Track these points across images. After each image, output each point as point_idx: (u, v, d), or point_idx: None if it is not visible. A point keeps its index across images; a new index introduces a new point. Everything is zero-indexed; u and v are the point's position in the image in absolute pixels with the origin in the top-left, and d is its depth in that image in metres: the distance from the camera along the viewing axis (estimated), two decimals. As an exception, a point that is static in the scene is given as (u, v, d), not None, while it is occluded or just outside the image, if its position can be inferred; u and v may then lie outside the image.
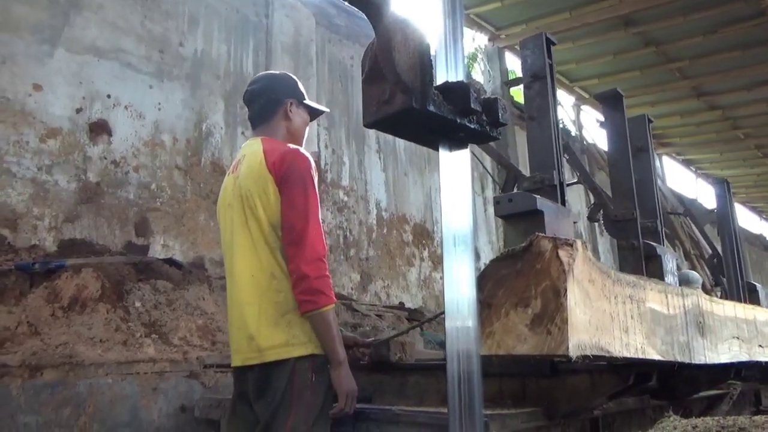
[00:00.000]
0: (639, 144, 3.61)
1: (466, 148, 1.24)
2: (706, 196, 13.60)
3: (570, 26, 8.10)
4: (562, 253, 1.21)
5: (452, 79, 1.17)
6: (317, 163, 5.89)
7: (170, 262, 4.09)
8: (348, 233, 6.07)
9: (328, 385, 1.73)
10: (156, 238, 4.53)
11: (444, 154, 1.21)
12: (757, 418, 1.02)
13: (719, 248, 5.45)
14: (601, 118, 3.78)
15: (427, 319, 4.34)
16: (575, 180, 4.39)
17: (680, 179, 14.18)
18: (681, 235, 7.55)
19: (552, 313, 1.19)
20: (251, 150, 1.88)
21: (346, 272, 5.93)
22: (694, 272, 5.53)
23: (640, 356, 1.48)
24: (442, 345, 4.66)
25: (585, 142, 10.53)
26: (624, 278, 1.51)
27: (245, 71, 5.52)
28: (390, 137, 6.80)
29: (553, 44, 2.54)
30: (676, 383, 2.37)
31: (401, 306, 6.00)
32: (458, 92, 1.12)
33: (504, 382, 2.16)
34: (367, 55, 1.11)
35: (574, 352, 1.18)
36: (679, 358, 1.74)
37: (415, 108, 1.05)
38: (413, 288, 6.54)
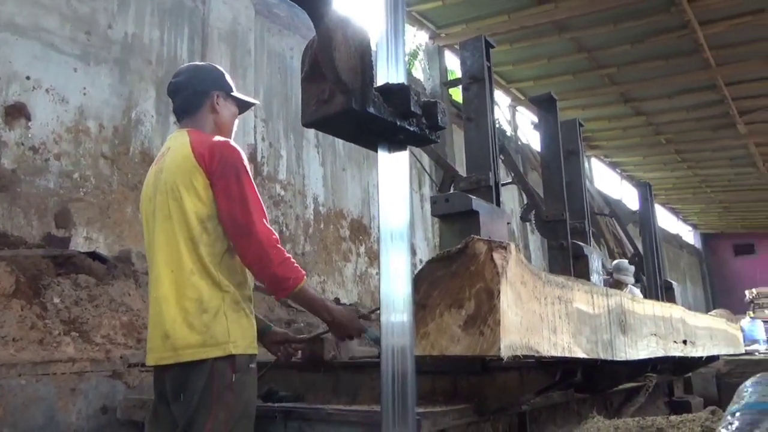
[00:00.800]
0: (570, 147, 3.75)
1: (405, 149, 1.24)
2: (630, 197, 14.34)
3: (508, 29, 8.29)
4: (496, 256, 1.23)
5: (393, 78, 1.15)
6: (253, 155, 5.76)
7: (93, 255, 3.88)
8: (284, 228, 5.98)
9: (251, 385, 1.69)
10: (78, 230, 4.29)
11: (383, 155, 1.20)
12: (672, 418, 1.08)
13: (640, 247, 5.76)
14: (536, 120, 3.89)
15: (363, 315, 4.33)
16: (510, 180, 4.50)
17: (607, 180, 14.85)
18: (606, 235, 7.92)
19: (485, 314, 1.20)
20: (177, 142, 1.80)
21: (281, 267, 5.84)
22: (625, 261, 5.80)
23: (567, 355, 1.52)
24: (376, 341, 4.67)
25: (519, 143, 10.84)
26: (553, 279, 1.55)
27: (179, 58, 5.31)
28: (329, 131, 6.74)
29: (492, 47, 2.58)
30: (599, 378, 2.46)
31: (337, 301, 5.98)
32: (399, 94, 1.11)
33: (436, 380, 2.19)
34: (307, 53, 1.08)
35: (505, 353, 1.19)
36: (603, 356, 1.79)
37: (354, 109, 1.03)
38: (349, 283, 6.53)
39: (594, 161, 14.10)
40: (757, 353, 5.98)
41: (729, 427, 0.92)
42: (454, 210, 2.04)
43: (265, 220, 1.69)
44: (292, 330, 4.52)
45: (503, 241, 1.28)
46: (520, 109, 11.34)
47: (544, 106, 3.50)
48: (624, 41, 8.77)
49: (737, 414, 0.96)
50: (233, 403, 1.61)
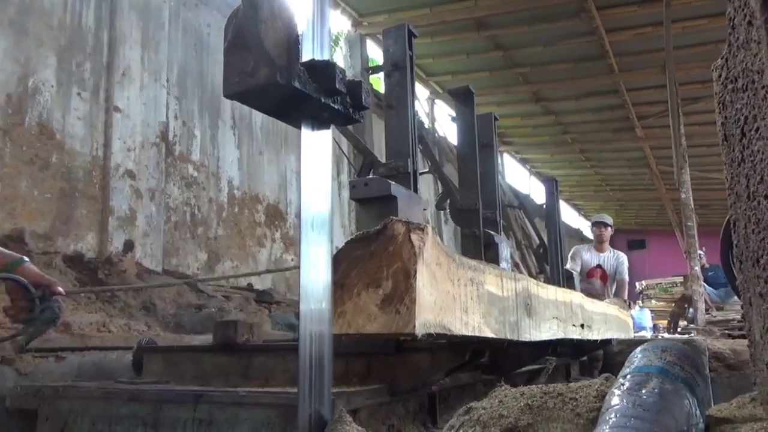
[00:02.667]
0: (485, 140, 3.88)
1: (329, 128, 1.23)
2: (537, 192, 15.06)
3: (429, 22, 8.41)
4: (414, 237, 1.27)
5: (317, 56, 1.15)
6: (164, 134, 5.51)
7: (-18, 233, 3.58)
8: (196, 210, 5.77)
9: None
10: (-36, 205, 3.94)
11: (306, 134, 1.19)
12: (572, 384, 1.16)
13: (545, 239, 6.10)
14: (453, 113, 3.99)
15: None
16: (426, 170, 4.59)
17: (517, 175, 15.50)
18: (514, 227, 8.28)
19: (401, 293, 1.23)
20: None
21: (192, 251, 5.64)
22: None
23: (477, 334, 1.58)
24: (290, 327, 4.63)
25: (437, 135, 11.07)
26: (467, 262, 1.61)
27: (84, 25, 4.97)
28: (247, 112, 6.57)
29: (415, 36, 2.61)
30: (504, 360, 2.58)
31: (249, 287, 5.87)
32: (324, 71, 1.11)
33: (350, 362, 2.20)
34: (231, 22, 1.04)
35: (420, 331, 1.23)
36: (510, 336, 1.89)
37: (279, 83, 1.01)
38: (263, 269, 6.42)
39: (506, 156, 14.67)
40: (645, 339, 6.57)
41: (621, 387, 1.00)
42: (373, 194, 2.06)
43: None
44: (202, 316, 4.39)
45: (421, 223, 1.31)
46: (438, 102, 11.57)
47: (461, 98, 3.59)
48: (537, 42, 9.16)
49: (627, 376, 1.04)
50: None
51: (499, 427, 1.13)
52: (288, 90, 1.04)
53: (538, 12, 8.22)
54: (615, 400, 0.98)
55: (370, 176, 2.45)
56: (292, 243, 6.90)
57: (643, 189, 17.14)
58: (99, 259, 4.48)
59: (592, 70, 9.90)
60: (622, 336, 4.45)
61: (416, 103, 2.70)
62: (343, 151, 4.32)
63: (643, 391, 0.96)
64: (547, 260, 5.80)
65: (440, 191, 4.05)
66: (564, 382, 4.03)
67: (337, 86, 1.11)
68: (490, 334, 1.69)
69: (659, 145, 12.98)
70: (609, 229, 6.74)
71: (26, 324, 1.47)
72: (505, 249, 3.67)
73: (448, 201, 4.10)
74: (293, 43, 1.03)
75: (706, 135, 12.18)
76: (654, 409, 0.92)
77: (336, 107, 1.15)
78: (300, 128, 1.20)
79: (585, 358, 4.53)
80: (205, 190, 5.90)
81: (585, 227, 22.21)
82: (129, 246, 4.86)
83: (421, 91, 11.06)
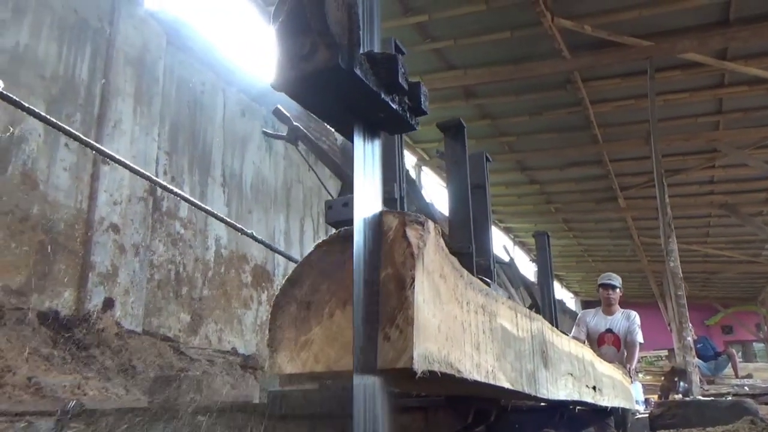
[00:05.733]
0: (477, 181, 3.53)
1: (380, 138, 1.08)
2: (520, 262, 14.98)
3: (419, 89, 8.56)
4: (410, 233, 0.95)
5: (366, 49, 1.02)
6: (152, 188, 5.32)
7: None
8: (181, 269, 5.51)
9: None
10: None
11: (358, 142, 1.04)
12: (711, 429, 0.96)
13: (538, 299, 5.82)
14: (441, 183, 3.75)
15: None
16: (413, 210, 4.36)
17: (501, 245, 15.47)
18: (505, 282, 8.09)
19: (393, 311, 0.88)
20: None
21: (174, 312, 5.33)
22: None
23: (491, 381, 1.20)
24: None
25: (424, 201, 11.04)
26: (476, 283, 1.23)
27: (77, 76, 4.88)
28: (237, 170, 6.45)
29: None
30: (501, 428, 2.19)
31: (234, 351, 5.53)
32: (385, 64, 0.98)
33: (319, 428, 1.88)
34: (283, 5, 0.92)
35: (419, 366, 0.87)
36: (527, 389, 1.49)
37: (341, 67, 0.87)
38: (248, 333, 6.08)
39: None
40: (638, 413, 6.19)
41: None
42: (352, 215, 1.77)
43: None
44: (183, 378, 4.05)
45: (420, 215, 1.00)
46: (425, 169, 11.64)
47: (451, 132, 3.19)
48: (524, 112, 9.36)
49: None
50: None
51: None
52: (347, 78, 0.90)
53: (524, 83, 8.43)
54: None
55: (350, 195, 2.23)
56: (279, 306, 6.59)
57: (625, 260, 17.22)
58: (76, 317, 4.17)
59: (576, 140, 10.10)
60: (627, 405, 4.11)
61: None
62: (320, 180, 4.17)
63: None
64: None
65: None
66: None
67: (399, 81, 0.97)
68: (505, 384, 1.30)
69: (641, 216, 13.15)
70: (617, 290, 6.14)
71: None
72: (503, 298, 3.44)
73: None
74: (354, 26, 0.91)
75: (686, 207, 12.39)
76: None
77: (394, 107, 1.01)
78: (350, 135, 1.05)
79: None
80: (191, 248, 5.66)
81: (567, 299, 22.10)
82: (109, 304, 4.55)
83: (409, 158, 11.13)
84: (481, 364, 1.14)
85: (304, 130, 3.18)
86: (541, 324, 1.77)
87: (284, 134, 3.22)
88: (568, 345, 2.28)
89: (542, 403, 2.09)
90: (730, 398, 5.43)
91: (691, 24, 7.06)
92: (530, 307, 6.21)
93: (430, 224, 0.99)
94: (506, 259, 10.25)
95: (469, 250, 3.19)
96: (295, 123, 3.22)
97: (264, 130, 3.07)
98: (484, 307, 1.22)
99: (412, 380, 0.88)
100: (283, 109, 3.17)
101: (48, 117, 3.00)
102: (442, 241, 1.04)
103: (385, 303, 0.89)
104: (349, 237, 0.96)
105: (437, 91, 8.67)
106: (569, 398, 2.08)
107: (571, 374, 2.21)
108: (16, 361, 3.06)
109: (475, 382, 1.09)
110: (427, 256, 0.95)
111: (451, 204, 3.32)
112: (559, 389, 1.90)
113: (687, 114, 9.05)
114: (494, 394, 1.48)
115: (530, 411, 2.50)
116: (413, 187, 3.83)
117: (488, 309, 1.25)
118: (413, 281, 0.89)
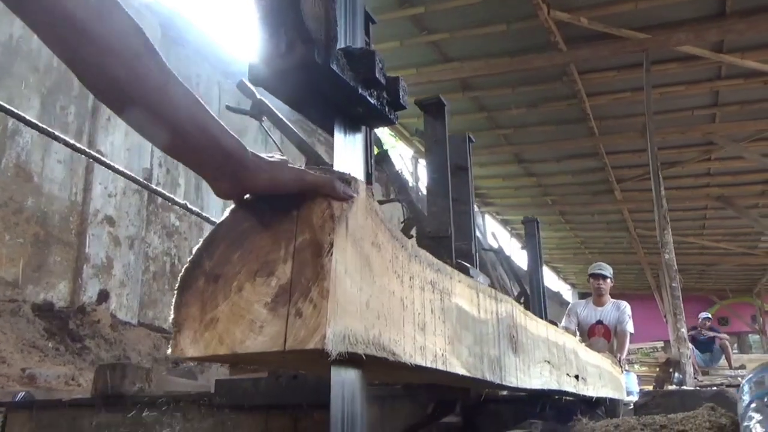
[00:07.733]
0: (459, 162, 3.33)
1: (361, 132, 1.10)
2: (517, 255, 15.02)
3: (416, 81, 8.56)
4: None
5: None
6: (147, 180, 5.34)
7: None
8: (176, 261, 5.53)
9: None
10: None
11: (338, 137, 1.05)
12: (672, 416, 0.98)
13: (527, 288, 5.74)
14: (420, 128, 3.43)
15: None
16: (393, 197, 4.15)
17: (499, 237, 15.49)
18: (490, 271, 8.10)
19: (307, 282, 0.76)
20: None
21: (170, 304, 5.32)
22: None
23: (440, 367, 1.06)
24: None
25: (420, 194, 11.07)
26: (425, 256, 1.10)
27: (72, 69, 4.88)
28: (232, 163, 6.45)
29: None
30: (480, 419, 2.09)
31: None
32: (362, 59, 0.99)
33: (271, 419, 1.81)
34: (261, -1, 0.93)
35: (335, 345, 0.73)
36: (489, 377, 1.34)
37: (317, 63, 0.89)
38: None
39: (487, 217, 14.72)
40: (631, 404, 6.18)
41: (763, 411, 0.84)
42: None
43: None
44: (179, 371, 4.07)
45: (347, 173, 0.89)
46: (422, 162, 11.65)
47: (431, 110, 2.98)
48: (520, 104, 9.36)
49: (765, 399, 0.88)
50: None
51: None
52: (324, 73, 0.92)
53: (520, 75, 8.43)
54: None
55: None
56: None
57: (622, 253, 17.28)
58: (71, 309, 4.19)
59: (572, 133, 10.10)
60: (616, 395, 3.99)
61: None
62: (281, 151, 4.10)
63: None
64: (530, 306, 5.45)
65: (405, 217, 3.62)
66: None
67: (376, 76, 0.99)
68: (460, 370, 1.17)
69: (637, 209, 13.17)
70: (608, 280, 6.18)
71: None
72: (484, 284, 3.37)
73: (415, 227, 3.68)
74: (331, 21, 0.92)
75: (682, 199, 12.42)
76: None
77: (372, 101, 1.02)
78: (329, 129, 1.06)
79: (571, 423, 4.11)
80: (186, 240, 5.68)
81: (564, 290, 22.17)
82: (104, 296, 4.57)
83: (405, 150, 11.14)
84: (427, 347, 1.02)
85: (269, 105, 3.08)
86: (510, 306, 1.63)
87: (248, 109, 3.13)
88: (545, 330, 2.12)
89: (521, 393, 1.96)
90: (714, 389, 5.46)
91: (687, 16, 7.06)
92: (519, 296, 6.10)
93: (361, 184, 0.88)
94: (495, 245, 10.26)
95: (447, 233, 3.07)
96: (259, 97, 3.11)
97: (227, 105, 2.96)
98: (434, 283, 1.10)
99: (330, 364, 0.77)
100: (248, 83, 3.06)
101: (40, 124, 3.00)
102: (376, 204, 0.92)
103: (300, 273, 0.76)
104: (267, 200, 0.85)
105: (434, 84, 8.65)
106: (545, 387, 1.93)
107: (549, 362, 2.06)
108: (11, 352, 3.09)
109: (420, 368, 0.98)
110: (353, 219, 0.83)
111: (429, 185, 3.12)
112: (533, 378, 1.77)
113: (683, 107, 9.06)
114: (449, 381, 1.30)
115: (511, 401, 2.42)
116: (387, 160, 3.67)
117: (439, 286, 1.13)
118: (332, 247, 0.76)
